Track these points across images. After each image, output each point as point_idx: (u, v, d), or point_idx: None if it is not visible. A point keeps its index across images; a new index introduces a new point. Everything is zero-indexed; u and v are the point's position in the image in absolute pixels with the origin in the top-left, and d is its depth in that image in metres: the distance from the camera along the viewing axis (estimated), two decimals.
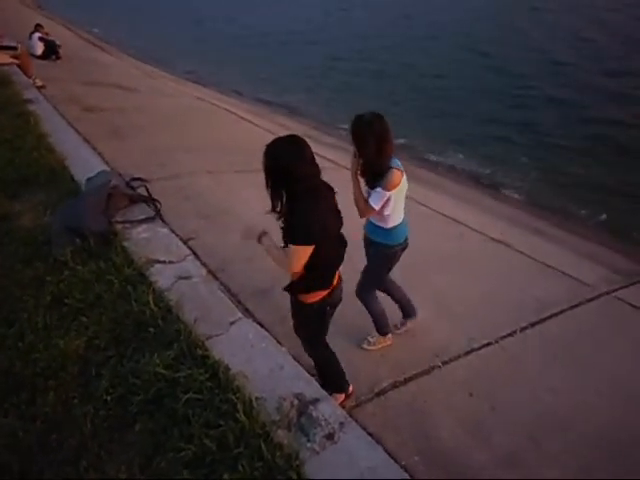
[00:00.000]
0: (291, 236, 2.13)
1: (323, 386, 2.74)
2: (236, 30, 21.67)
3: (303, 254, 2.12)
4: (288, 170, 2.05)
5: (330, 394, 2.69)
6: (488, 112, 11.23)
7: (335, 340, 2.74)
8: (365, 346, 3.29)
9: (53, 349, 2.28)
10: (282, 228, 2.19)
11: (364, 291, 3.19)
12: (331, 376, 2.82)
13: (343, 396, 2.85)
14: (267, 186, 2.13)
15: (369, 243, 3.07)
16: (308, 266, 2.22)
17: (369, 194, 2.73)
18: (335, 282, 2.40)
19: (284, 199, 2.12)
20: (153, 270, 2.65)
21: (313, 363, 2.86)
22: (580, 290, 4.19)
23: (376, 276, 3.18)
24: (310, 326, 2.58)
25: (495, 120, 10.79)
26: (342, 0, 27.52)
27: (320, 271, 2.30)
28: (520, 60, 15.62)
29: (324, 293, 2.37)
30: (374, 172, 2.69)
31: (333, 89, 13.38)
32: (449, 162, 8.87)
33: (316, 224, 2.12)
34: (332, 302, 2.44)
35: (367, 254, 3.09)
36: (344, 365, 2.77)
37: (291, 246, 2.11)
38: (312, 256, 2.16)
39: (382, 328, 3.28)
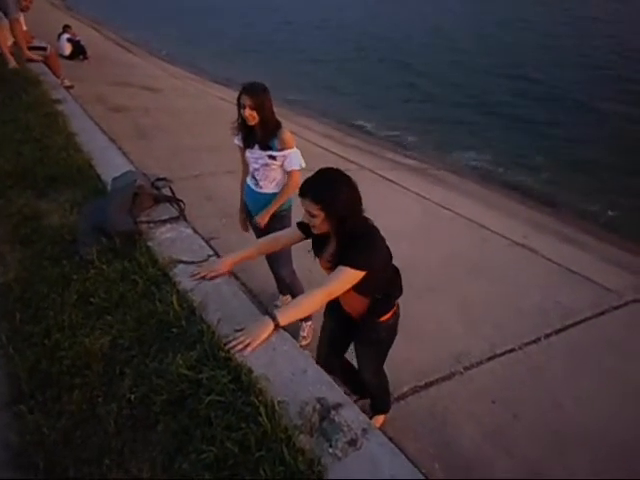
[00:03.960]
0: (350, 258, 2.00)
1: (371, 406, 2.78)
2: (258, 30, 21.80)
3: (354, 278, 2.00)
4: (353, 207, 2.03)
5: (371, 417, 2.67)
6: (509, 112, 11.11)
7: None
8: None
9: (78, 347, 2.30)
10: (335, 252, 2.13)
11: (284, 268, 3.36)
12: (383, 397, 2.78)
13: (383, 417, 2.82)
14: (332, 226, 2.03)
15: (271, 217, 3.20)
16: (385, 281, 2.20)
17: None
18: None
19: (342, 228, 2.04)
20: (177, 270, 2.66)
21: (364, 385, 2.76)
22: (606, 297, 4.10)
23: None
24: (383, 348, 2.46)
25: (515, 121, 10.67)
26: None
27: (395, 281, 2.29)
28: (543, 63, 15.41)
29: (396, 307, 2.36)
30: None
31: (352, 87, 13.39)
32: (469, 163, 8.80)
33: (384, 247, 2.13)
34: (399, 313, 2.41)
35: (271, 229, 2.92)
36: None
37: (344, 268, 1.99)
38: (384, 271, 2.16)
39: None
